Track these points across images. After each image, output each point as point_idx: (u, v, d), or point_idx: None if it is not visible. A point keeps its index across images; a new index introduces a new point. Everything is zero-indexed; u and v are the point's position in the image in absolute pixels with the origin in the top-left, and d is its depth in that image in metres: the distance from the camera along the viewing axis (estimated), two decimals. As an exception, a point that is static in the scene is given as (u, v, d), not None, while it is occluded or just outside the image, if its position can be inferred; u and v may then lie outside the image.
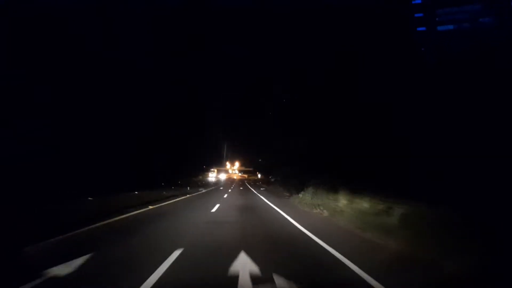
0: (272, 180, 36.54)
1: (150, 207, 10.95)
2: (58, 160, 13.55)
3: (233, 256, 4.01)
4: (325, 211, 9.17)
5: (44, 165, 12.35)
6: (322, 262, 4.00)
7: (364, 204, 7.22)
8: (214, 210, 10.29)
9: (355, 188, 8.60)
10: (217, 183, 52.95)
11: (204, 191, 26.63)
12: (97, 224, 6.71)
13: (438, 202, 5.12)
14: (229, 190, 26.66)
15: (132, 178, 18.13)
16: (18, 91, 12.86)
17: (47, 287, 3.05)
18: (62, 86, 15.19)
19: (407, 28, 24.62)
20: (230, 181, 61.27)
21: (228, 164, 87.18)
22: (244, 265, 3.64)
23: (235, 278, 3.22)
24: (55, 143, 13.87)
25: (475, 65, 10.23)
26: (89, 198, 9.04)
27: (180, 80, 33.21)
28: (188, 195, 19.42)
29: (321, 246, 4.83)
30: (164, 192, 16.87)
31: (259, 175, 67.58)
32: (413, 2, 33.00)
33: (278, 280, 3.15)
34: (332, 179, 11.63)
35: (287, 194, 18.57)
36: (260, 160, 56.78)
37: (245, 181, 61.20)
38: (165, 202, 13.52)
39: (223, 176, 74.57)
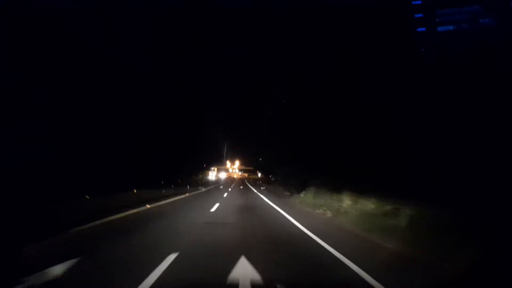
0: (273, 179, 36.57)
1: (148, 206, 10.92)
2: (58, 160, 13.54)
3: (233, 262, 3.81)
4: (328, 211, 9.03)
5: (44, 165, 12.32)
6: (333, 272, 3.70)
7: (370, 204, 6.98)
8: (213, 209, 10.25)
9: (356, 188, 8.55)
10: (217, 182, 52.95)
11: (204, 190, 26.62)
12: (89, 224, 6.61)
13: (438, 202, 5.10)
14: (229, 189, 26.66)
15: (132, 177, 18.11)
16: (18, 91, 12.85)
17: (46, 287, 3.06)
18: (62, 86, 15.19)
19: (407, 29, 24.63)
20: (230, 180, 61.28)
21: (228, 163, 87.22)
22: (244, 273, 3.43)
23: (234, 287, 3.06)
24: (55, 143, 13.85)
25: (475, 65, 10.21)
26: (87, 197, 9.06)
27: (180, 80, 33.13)
28: (187, 194, 19.43)
29: (331, 253, 4.46)
30: (164, 191, 16.86)
31: (259, 174, 67.60)
32: (413, 2, 33.07)
33: None
34: (334, 178, 11.61)
35: (288, 193, 18.58)
36: (260, 159, 56.84)
37: (245, 180, 61.23)
38: (164, 201, 13.53)
39: (223, 175, 74.59)
